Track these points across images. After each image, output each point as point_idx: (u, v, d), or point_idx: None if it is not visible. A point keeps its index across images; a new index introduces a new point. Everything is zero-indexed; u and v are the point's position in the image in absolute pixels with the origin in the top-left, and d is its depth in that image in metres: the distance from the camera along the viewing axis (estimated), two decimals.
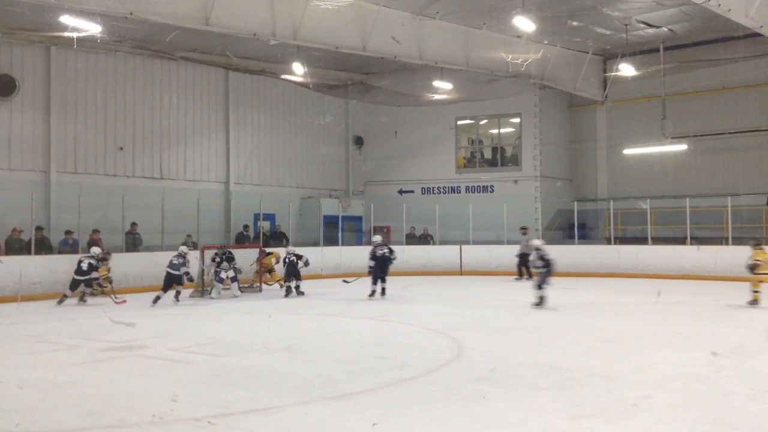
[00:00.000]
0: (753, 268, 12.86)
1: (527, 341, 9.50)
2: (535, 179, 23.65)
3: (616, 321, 11.55)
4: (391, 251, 15.30)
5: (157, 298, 13.91)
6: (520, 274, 18.82)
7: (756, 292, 12.82)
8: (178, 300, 14.25)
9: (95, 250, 14.56)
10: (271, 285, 17.23)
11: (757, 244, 13.29)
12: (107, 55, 19.06)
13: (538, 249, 13.43)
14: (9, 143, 17.31)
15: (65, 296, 14.09)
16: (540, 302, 12.91)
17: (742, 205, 20.77)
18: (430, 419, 5.64)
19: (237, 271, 15.74)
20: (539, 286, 13.07)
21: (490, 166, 25.10)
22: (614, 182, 24.42)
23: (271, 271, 17.44)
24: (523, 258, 18.29)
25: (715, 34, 20.39)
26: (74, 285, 14.16)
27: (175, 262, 14.24)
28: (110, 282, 14.85)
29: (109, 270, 15.23)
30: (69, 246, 16.61)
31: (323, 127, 25.26)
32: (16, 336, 10.04)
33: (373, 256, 15.03)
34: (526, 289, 16.81)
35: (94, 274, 14.16)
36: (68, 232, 16.79)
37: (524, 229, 19.78)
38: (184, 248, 14.83)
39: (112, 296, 14.41)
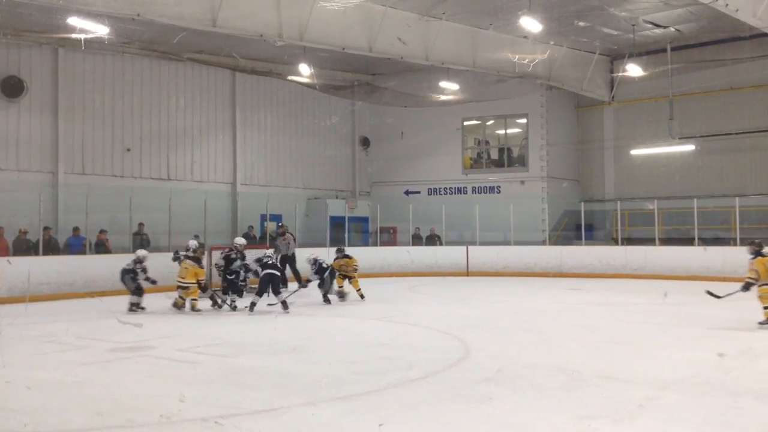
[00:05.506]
0: None
1: (534, 342, 9.48)
2: (541, 180, 23.61)
3: (624, 322, 11.49)
4: None
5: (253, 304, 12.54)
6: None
7: None
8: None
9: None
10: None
11: None
12: (115, 56, 19.15)
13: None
14: (17, 144, 17.42)
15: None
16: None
17: (749, 205, 20.68)
18: (436, 420, 5.64)
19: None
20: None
21: (496, 167, 25.09)
22: (621, 183, 24.37)
23: None
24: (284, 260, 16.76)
25: (723, 35, 20.33)
26: None
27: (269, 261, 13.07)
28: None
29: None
30: (79, 244, 16.67)
31: (330, 127, 25.31)
32: (25, 336, 10.08)
33: None
34: (534, 291, 16.83)
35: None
36: (76, 229, 16.86)
37: (282, 228, 18.09)
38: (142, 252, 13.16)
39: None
